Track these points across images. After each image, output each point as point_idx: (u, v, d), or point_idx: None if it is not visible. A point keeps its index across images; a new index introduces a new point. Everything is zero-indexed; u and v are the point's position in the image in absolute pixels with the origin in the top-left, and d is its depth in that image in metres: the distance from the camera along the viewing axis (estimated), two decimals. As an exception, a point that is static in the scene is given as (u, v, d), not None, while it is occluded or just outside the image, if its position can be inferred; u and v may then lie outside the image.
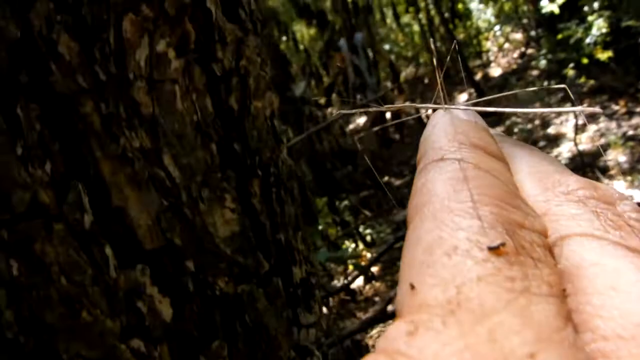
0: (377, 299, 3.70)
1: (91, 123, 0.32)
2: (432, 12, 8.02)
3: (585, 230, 0.23)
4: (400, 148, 5.75)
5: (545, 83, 6.59)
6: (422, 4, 7.65)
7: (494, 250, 0.20)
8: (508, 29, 8.84)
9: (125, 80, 0.33)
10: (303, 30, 7.61)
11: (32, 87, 0.30)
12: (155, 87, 0.35)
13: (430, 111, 0.35)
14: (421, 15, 7.84)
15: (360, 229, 4.53)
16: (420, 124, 4.89)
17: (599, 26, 5.79)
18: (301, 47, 5.42)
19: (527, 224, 0.23)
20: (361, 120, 6.60)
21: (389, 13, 7.29)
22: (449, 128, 0.30)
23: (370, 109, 0.42)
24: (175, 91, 0.36)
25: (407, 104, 0.39)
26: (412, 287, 0.20)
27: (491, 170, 0.26)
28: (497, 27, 8.99)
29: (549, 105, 6.25)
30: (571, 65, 5.91)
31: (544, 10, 6.29)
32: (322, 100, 4.98)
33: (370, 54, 5.40)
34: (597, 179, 4.51)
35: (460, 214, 0.22)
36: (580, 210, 0.25)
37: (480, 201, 0.23)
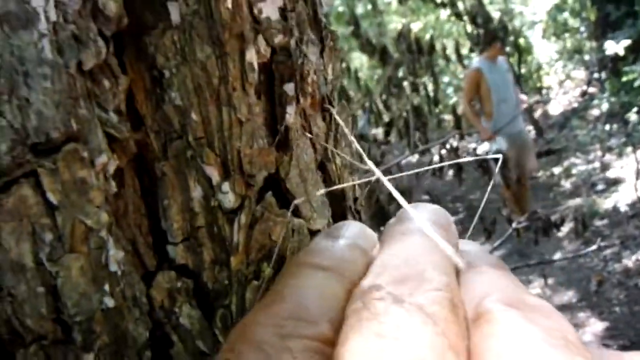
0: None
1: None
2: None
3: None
4: (455, 184, 5.73)
5: (607, 126, 6.50)
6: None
7: None
8: (570, 66, 8.75)
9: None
10: (362, 59, 7.68)
11: (157, 357, 0.30)
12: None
13: None
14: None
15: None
16: (476, 161, 4.88)
17: (664, 70, 5.71)
18: (362, 82, 5.46)
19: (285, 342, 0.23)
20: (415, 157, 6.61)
21: (450, 46, 7.29)
22: None
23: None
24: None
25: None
26: None
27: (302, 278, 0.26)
28: (559, 64, 8.90)
29: (610, 148, 6.17)
30: (635, 109, 5.83)
31: (607, 52, 6.23)
32: (381, 137, 5.02)
33: (432, 92, 5.43)
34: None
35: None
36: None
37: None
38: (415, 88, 5.20)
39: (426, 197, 5.50)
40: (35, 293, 0.25)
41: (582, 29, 8.24)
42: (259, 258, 0.31)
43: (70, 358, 0.27)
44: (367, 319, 0.23)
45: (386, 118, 5.20)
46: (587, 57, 8.41)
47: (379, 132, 5.25)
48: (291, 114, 0.33)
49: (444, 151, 4.75)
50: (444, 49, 5.78)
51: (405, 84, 5.25)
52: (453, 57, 6.48)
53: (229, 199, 0.29)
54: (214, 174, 0.29)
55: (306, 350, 0.23)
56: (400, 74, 5.29)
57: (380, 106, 5.30)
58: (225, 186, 0.29)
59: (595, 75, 7.77)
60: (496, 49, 4.68)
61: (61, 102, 0.24)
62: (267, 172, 0.31)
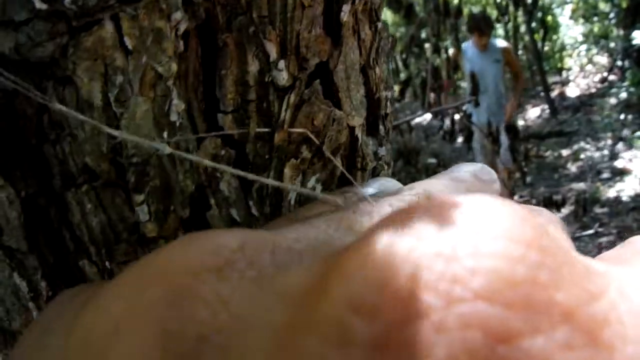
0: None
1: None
2: (519, 19, 7.91)
3: None
4: (465, 150, 5.75)
5: (622, 115, 6.48)
6: (511, 9, 7.54)
7: None
8: (594, 50, 8.67)
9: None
10: (387, 14, 7.61)
11: (192, 220, 0.31)
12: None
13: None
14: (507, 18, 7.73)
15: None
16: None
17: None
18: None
19: None
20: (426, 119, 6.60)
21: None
22: None
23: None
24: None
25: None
26: None
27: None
28: (583, 47, 8.82)
29: (621, 139, 6.16)
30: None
31: (634, 41, 6.18)
32: (396, 94, 4.99)
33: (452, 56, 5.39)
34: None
35: None
36: None
37: None
38: (436, 49, 5.15)
39: (433, 159, 5.53)
40: (99, 132, 0.27)
41: (612, 14, 8.15)
42: (300, 140, 0.33)
43: (117, 200, 0.29)
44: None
45: (403, 76, 5.17)
46: (612, 44, 8.33)
47: (394, 89, 5.22)
48: (345, 12, 0.34)
49: (457, 116, 4.74)
50: (471, 15, 5.70)
51: (427, 45, 5.21)
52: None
53: (283, 77, 0.31)
54: (272, 50, 0.30)
55: None
56: (423, 34, 5.25)
57: (399, 64, 5.26)
58: (282, 64, 0.31)
59: (618, 63, 7.70)
60: (478, 38, 4.57)
61: (147, -45, 0.26)
62: (319, 60, 0.33)
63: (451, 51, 5.13)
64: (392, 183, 0.35)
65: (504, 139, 4.53)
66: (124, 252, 0.31)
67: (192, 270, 0.18)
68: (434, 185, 0.31)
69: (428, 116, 6.54)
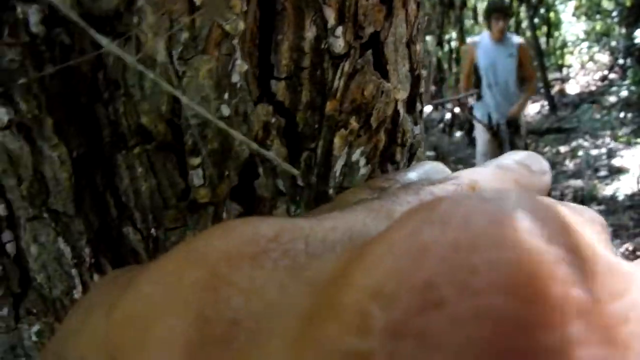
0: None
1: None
2: (522, 15, 7.90)
3: None
4: (462, 144, 5.75)
5: (621, 114, 6.49)
6: (515, 4, 7.53)
7: None
8: (595, 48, 8.67)
9: (322, 193, 0.34)
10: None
11: (239, 188, 0.31)
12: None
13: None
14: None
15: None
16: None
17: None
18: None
19: None
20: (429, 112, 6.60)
21: (480, 7, 7.20)
22: None
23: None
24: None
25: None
26: None
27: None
28: (584, 44, 8.82)
29: (619, 137, 6.17)
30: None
31: (636, 40, 6.18)
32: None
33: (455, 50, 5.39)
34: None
35: None
36: None
37: None
38: (440, 42, 5.15)
39: (432, 153, 5.52)
40: (160, 90, 0.27)
41: (615, 13, 8.15)
42: (350, 110, 0.32)
43: (168, 165, 0.29)
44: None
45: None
46: (613, 43, 8.33)
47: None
48: (398, -17, 0.34)
49: (457, 109, 4.74)
50: (475, 8, 5.71)
51: (429, 38, 5.21)
52: (480, 18, 6.41)
53: (340, 44, 0.31)
54: (331, 16, 0.30)
55: None
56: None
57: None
58: (339, 30, 0.31)
59: (620, 61, 7.71)
60: (495, 22, 4.39)
61: None
62: (374, 29, 0.33)
63: (454, 44, 5.11)
64: (437, 169, 0.34)
65: (505, 134, 4.51)
66: (174, 218, 0.31)
67: (229, 258, 0.19)
68: (481, 175, 0.30)
69: (428, 109, 6.53)
